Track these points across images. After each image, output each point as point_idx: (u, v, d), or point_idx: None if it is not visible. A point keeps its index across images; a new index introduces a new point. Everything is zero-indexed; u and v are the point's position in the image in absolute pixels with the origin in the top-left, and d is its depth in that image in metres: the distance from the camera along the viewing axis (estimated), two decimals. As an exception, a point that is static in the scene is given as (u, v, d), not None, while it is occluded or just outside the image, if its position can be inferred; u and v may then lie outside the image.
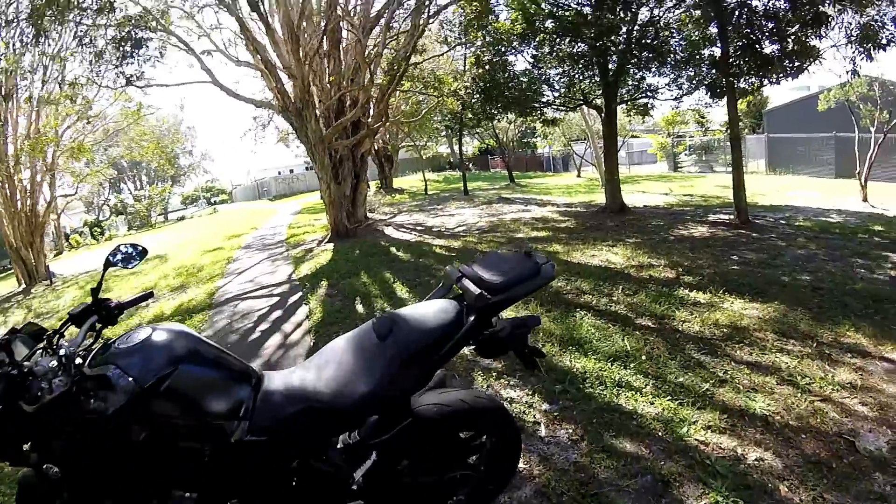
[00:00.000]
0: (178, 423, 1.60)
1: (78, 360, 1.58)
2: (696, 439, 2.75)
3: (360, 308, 5.97)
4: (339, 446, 1.89)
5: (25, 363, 1.54)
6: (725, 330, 4.18)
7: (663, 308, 4.75)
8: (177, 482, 1.67)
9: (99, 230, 34.44)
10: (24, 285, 14.37)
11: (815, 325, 4.18)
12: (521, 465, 2.65)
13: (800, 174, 18.49)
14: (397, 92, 13.76)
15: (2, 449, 1.55)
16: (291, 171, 45.75)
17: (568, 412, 3.13)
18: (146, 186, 46.08)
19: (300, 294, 7.14)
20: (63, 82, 13.46)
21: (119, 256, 2.11)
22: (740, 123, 25.75)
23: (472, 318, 1.82)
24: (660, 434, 2.82)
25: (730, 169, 21.82)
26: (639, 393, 3.24)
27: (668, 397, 3.16)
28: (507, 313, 3.11)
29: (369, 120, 12.42)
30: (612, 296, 5.27)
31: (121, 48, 9.60)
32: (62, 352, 1.58)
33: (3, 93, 13.10)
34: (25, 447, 1.57)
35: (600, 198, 14.33)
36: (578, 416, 3.06)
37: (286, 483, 1.78)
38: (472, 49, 12.94)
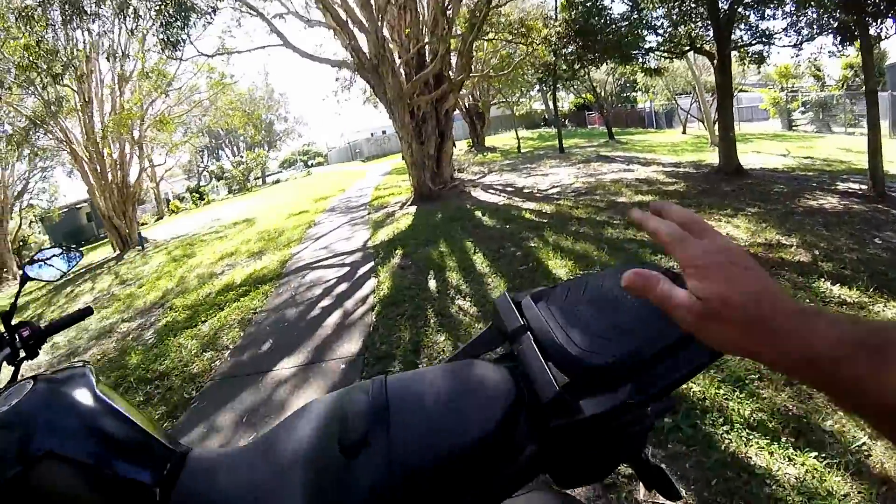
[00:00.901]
0: None
1: None
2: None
3: (432, 284, 5.34)
4: None
5: None
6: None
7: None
8: None
9: (199, 195, 36.04)
10: (117, 251, 15.08)
11: None
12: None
13: (930, 139, 15.76)
14: (483, 44, 12.82)
15: None
16: (384, 131, 45.86)
17: (678, 464, 2.29)
18: (243, 152, 47.68)
19: (371, 264, 6.65)
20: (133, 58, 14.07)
21: (39, 268, 1.65)
22: (857, 80, 22.80)
23: (531, 446, 0.88)
24: (803, 514, 1.96)
25: (850, 129, 19.47)
26: (775, 442, 2.34)
27: (814, 452, 2.25)
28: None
29: (452, 73, 11.56)
30: (734, 284, 4.29)
31: (162, 14, 9.35)
32: None
33: (85, 73, 13.50)
34: None
35: (710, 157, 12.90)
36: (692, 473, 2.22)
37: None
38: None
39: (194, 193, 36.86)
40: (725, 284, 0.49)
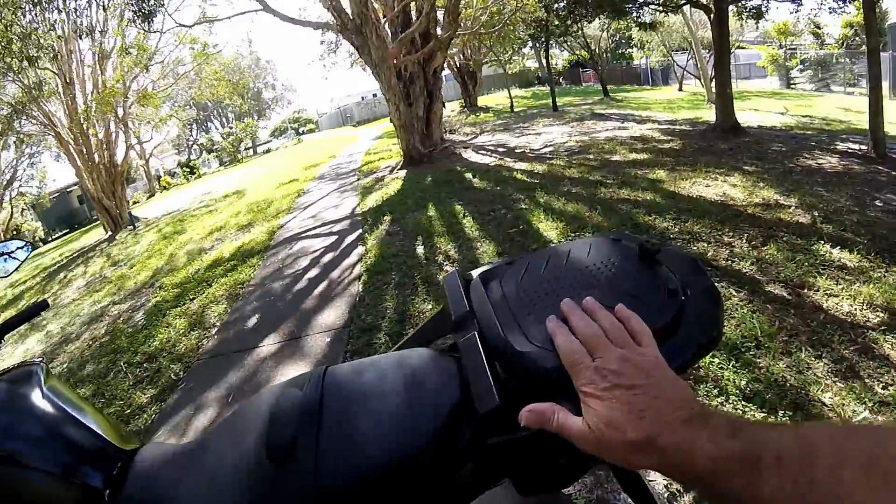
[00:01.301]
0: None
1: None
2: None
3: (420, 250, 5.23)
4: None
5: None
6: (883, 314, 3.00)
7: (802, 271, 3.59)
8: None
9: (189, 170, 35.53)
10: (109, 233, 14.86)
11: None
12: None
13: (930, 100, 15.46)
14: (472, -1, 12.42)
15: None
16: (375, 95, 45.12)
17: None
18: (233, 123, 47.00)
19: (359, 232, 6.52)
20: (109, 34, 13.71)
21: (3, 259, 1.58)
22: (857, 39, 22.36)
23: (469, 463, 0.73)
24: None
25: (850, 89, 19.16)
26: (772, 415, 2.25)
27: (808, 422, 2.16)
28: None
29: (439, 31, 11.21)
30: (734, 245, 4.15)
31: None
32: None
33: (63, 54, 13.17)
34: None
35: (707, 115, 12.65)
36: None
37: None
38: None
39: (185, 168, 36.29)
40: (610, 410, 0.52)
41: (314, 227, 7.43)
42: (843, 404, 2.30)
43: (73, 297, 7.55)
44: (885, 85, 17.46)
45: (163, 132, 25.84)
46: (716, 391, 2.43)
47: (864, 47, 19.66)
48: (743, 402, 2.33)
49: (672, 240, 4.43)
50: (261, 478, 0.75)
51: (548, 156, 9.48)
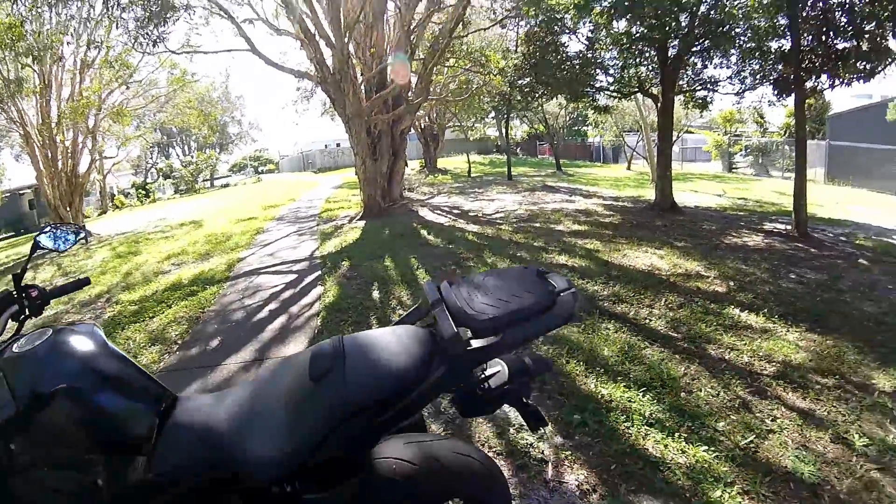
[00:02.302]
0: (65, 452, 1.26)
1: None
2: (732, 509, 2.23)
3: (375, 294, 5.60)
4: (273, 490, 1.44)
5: None
6: (778, 365, 3.58)
7: (710, 329, 4.17)
8: None
9: (144, 192, 35.00)
10: None
11: (877, 367, 3.54)
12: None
13: (860, 187, 17.13)
14: (444, 69, 13.25)
15: None
16: (338, 144, 45.74)
17: (583, 451, 2.64)
18: (194, 152, 46.71)
19: (318, 273, 6.84)
20: (101, 46, 13.79)
21: (48, 238, 1.84)
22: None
23: (442, 368, 1.30)
24: (688, 495, 2.32)
25: (787, 174, 20.84)
26: (671, 436, 2.72)
27: (705, 446, 2.64)
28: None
29: (410, 95, 11.93)
30: (654, 307, 4.71)
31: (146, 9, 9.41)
32: None
33: (41, 55, 13.27)
34: None
35: (650, 193, 13.56)
36: (595, 460, 2.57)
37: None
38: (524, 25, 12.23)
39: (140, 190, 35.72)
40: None
41: (274, 265, 7.68)
42: (735, 431, 2.79)
43: None
44: (822, 171, 19.25)
45: (125, 151, 25.54)
46: (623, 417, 2.89)
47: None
48: (646, 427, 2.79)
49: (600, 300, 4.95)
50: (304, 393, 1.28)
51: (498, 221, 10.06)
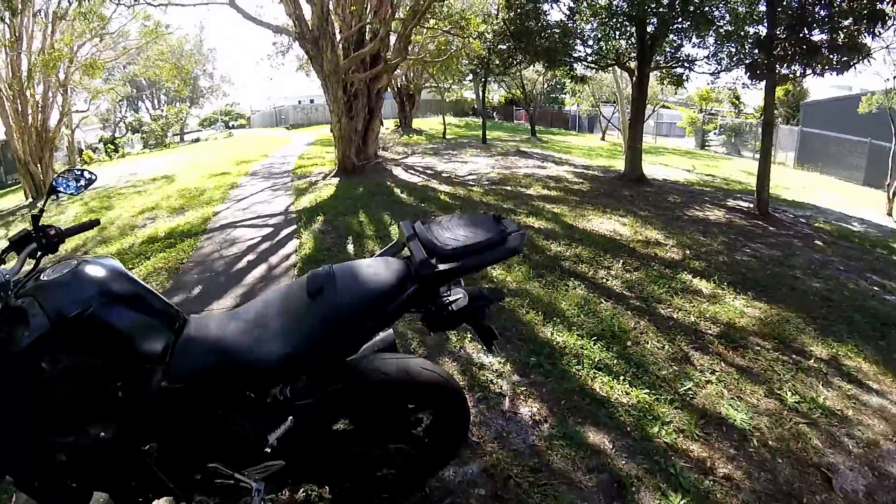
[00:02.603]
0: (91, 364, 1.52)
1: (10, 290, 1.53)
2: (665, 442, 2.56)
3: (350, 248, 5.82)
4: (269, 400, 1.74)
5: None
6: (722, 326, 3.92)
7: (662, 291, 4.51)
8: (88, 420, 1.58)
9: (113, 147, 34.06)
10: (31, 199, 14.46)
11: (817, 337, 3.88)
12: (473, 437, 2.51)
13: (828, 174, 17.80)
14: (423, 29, 13.21)
15: None
16: (312, 101, 44.93)
17: (537, 388, 2.95)
18: (164, 106, 45.50)
19: (294, 227, 6.99)
20: None
21: (64, 182, 1.98)
22: (776, 112, 25.07)
23: (413, 287, 1.62)
24: (628, 429, 2.63)
25: (758, 155, 21.37)
26: (616, 379, 3.04)
27: (647, 389, 2.96)
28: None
29: (389, 55, 11.94)
30: (611, 269, 5.03)
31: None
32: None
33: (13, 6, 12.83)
34: None
35: (621, 164, 13.86)
36: (547, 395, 2.88)
37: (205, 432, 1.67)
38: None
39: (109, 145, 34.78)
40: None
41: (250, 219, 7.80)
42: (676, 378, 3.12)
43: None
44: (792, 155, 19.86)
45: (95, 105, 24.89)
46: (574, 361, 3.22)
47: (779, 120, 21.74)
48: (594, 371, 3.11)
49: (562, 260, 5.27)
50: (301, 307, 1.57)
51: (470, 183, 10.27)
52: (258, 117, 52.38)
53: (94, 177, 2.04)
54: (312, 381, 1.67)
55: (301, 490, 2.20)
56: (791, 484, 2.38)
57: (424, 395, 1.83)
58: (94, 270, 1.61)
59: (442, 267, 1.61)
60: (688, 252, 5.76)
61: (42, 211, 1.79)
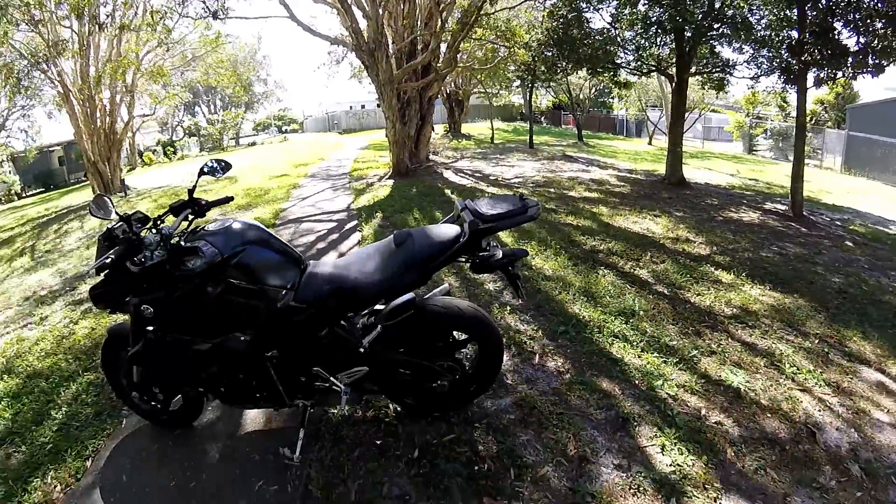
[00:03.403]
0: (243, 286, 2.28)
1: (174, 240, 2.30)
2: (667, 393, 3.11)
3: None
4: (358, 325, 2.53)
5: (140, 235, 2.26)
6: (735, 310, 4.40)
7: (684, 279, 5.02)
8: (236, 327, 2.36)
9: (172, 150, 35.93)
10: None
11: (825, 323, 4.21)
12: (508, 381, 3.15)
13: (875, 179, 17.45)
14: (470, 38, 13.85)
15: (110, 297, 2.35)
16: (363, 106, 46.23)
17: (562, 350, 3.58)
18: (220, 111, 47.45)
19: (356, 222, 7.75)
20: (146, 10, 14.33)
21: (209, 167, 2.69)
22: (825, 115, 24.71)
23: (465, 238, 2.30)
24: (636, 382, 3.21)
25: (806, 161, 21.09)
26: (631, 346, 3.62)
27: (656, 354, 3.53)
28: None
29: (439, 65, 12.65)
30: (640, 261, 5.57)
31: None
32: (165, 232, 2.31)
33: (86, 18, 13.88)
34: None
35: (664, 168, 14.18)
36: (570, 354, 3.51)
37: (315, 341, 2.42)
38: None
39: (168, 147, 36.73)
40: None
41: (315, 214, 8.61)
42: (684, 348, 3.66)
43: (75, 246, 8.48)
44: (839, 160, 19.59)
45: (160, 109, 26.43)
46: (596, 330, 3.83)
47: (829, 124, 21.39)
48: (612, 338, 3.71)
49: (597, 253, 5.84)
50: (390, 252, 2.32)
51: (516, 185, 10.86)
52: (311, 122, 53.86)
53: (230, 166, 2.75)
54: (394, 308, 2.37)
55: (371, 410, 2.89)
56: (777, 434, 2.80)
57: (468, 326, 2.54)
58: (245, 226, 2.42)
59: (483, 225, 2.29)
60: (714, 248, 6.21)
61: (195, 187, 2.52)
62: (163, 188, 15.20)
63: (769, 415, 2.97)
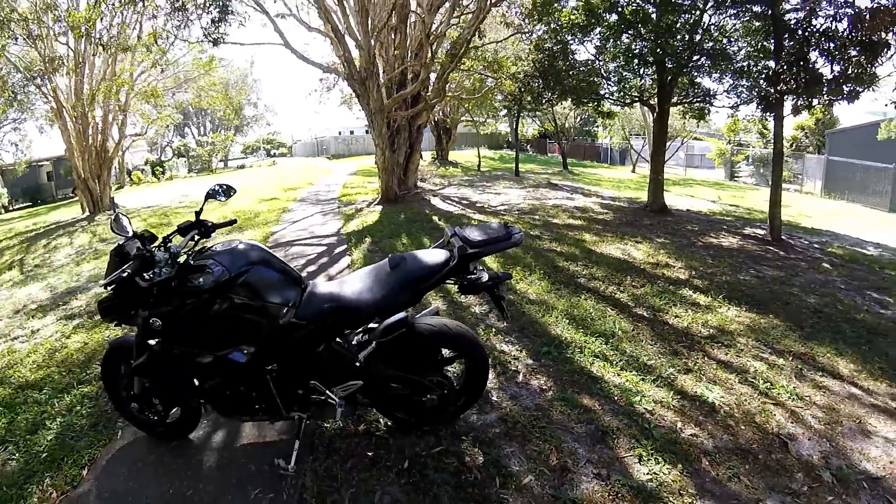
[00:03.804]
0: (248, 303, 2.44)
1: (182, 258, 2.50)
2: (644, 408, 3.27)
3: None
4: (353, 341, 2.71)
5: (153, 252, 2.44)
6: (712, 330, 4.59)
7: (662, 302, 5.22)
8: (239, 341, 2.52)
9: (161, 170, 35.98)
10: (87, 213, 15.73)
11: (800, 341, 4.39)
12: (493, 398, 3.31)
13: (854, 202, 18.06)
14: (459, 69, 14.20)
15: (119, 310, 2.51)
16: (352, 132, 46.67)
17: (545, 369, 3.75)
18: (209, 133, 47.67)
19: (345, 246, 7.90)
20: (149, 32, 14.46)
21: (216, 190, 2.82)
22: (805, 140, 25.47)
23: (454, 262, 2.50)
24: (615, 398, 3.37)
25: (786, 186, 21.68)
26: (611, 365, 3.80)
27: (635, 373, 3.70)
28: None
29: (428, 94, 12.96)
30: (621, 285, 5.77)
31: (208, 12, 10.37)
32: (172, 250, 2.49)
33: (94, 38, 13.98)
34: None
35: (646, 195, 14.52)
36: (552, 373, 3.68)
37: (314, 356, 2.58)
38: (538, 32, 13.12)
39: (157, 167, 36.71)
40: None
41: (305, 238, 8.76)
42: (661, 367, 3.83)
43: (65, 261, 8.53)
44: (819, 184, 20.08)
45: (150, 129, 26.52)
46: (578, 350, 4.01)
47: (810, 149, 21.78)
48: (593, 358, 3.89)
49: (578, 278, 6.03)
50: (385, 274, 2.51)
51: (502, 212, 11.11)
52: (300, 146, 54.18)
53: (234, 190, 2.89)
54: (387, 326, 2.54)
55: (362, 424, 3.03)
56: (750, 445, 2.95)
57: (456, 343, 2.73)
58: (251, 247, 2.61)
59: (471, 250, 2.50)
60: (693, 272, 6.43)
61: (202, 209, 2.67)
62: (151, 207, 15.15)
63: (743, 427, 3.12)
